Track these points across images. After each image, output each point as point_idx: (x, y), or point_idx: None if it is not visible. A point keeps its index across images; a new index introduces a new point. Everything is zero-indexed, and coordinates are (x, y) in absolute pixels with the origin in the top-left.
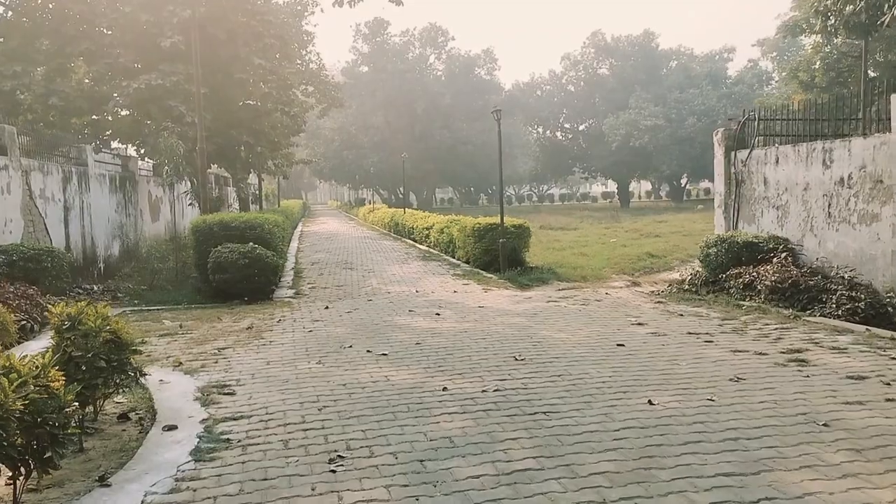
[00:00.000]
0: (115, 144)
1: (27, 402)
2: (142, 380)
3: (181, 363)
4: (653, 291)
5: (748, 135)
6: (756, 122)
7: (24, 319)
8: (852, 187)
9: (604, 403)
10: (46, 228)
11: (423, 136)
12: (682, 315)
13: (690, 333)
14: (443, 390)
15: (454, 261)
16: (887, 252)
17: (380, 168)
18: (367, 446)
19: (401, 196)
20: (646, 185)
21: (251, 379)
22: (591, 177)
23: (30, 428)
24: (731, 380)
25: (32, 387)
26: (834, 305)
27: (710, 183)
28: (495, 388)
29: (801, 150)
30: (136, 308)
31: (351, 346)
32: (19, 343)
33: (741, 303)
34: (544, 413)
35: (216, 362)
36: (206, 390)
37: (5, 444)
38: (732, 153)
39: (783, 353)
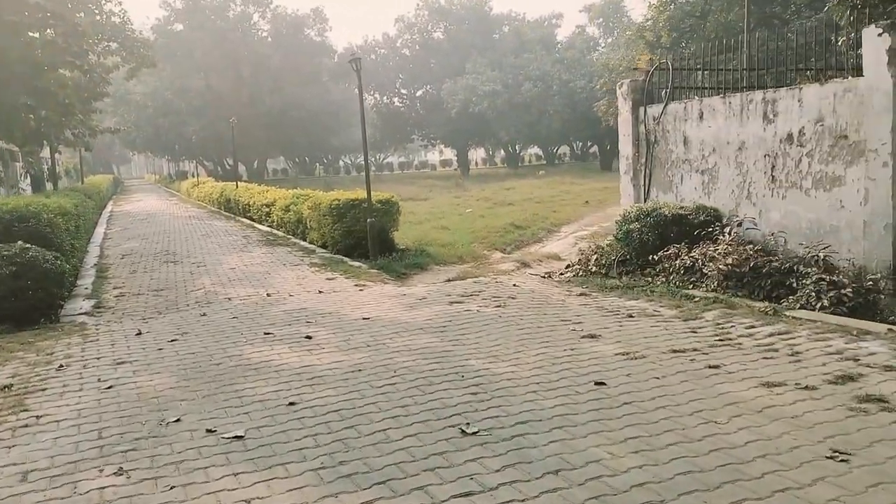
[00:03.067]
0: None
1: None
2: None
3: None
4: (549, 274)
5: (656, 87)
6: (669, 72)
7: None
8: (804, 145)
9: None
10: None
11: (251, 102)
12: (631, 316)
13: (675, 352)
14: None
15: (307, 245)
16: (855, 223)
17: (202, 137)
18: None
19: (229, 167)
20: (480, 153)
21: None
22: (431, 144)
23: None
24: (835, 459)
25: None
26: (812, 294)
27: (539, 149)
28: None
29: (733, 103)
30: None
31: (179, 420)
32: None
33: (689, 292)
34: None
35: None
36: None
37: None
38: (641, 109)
39: (834, 382)
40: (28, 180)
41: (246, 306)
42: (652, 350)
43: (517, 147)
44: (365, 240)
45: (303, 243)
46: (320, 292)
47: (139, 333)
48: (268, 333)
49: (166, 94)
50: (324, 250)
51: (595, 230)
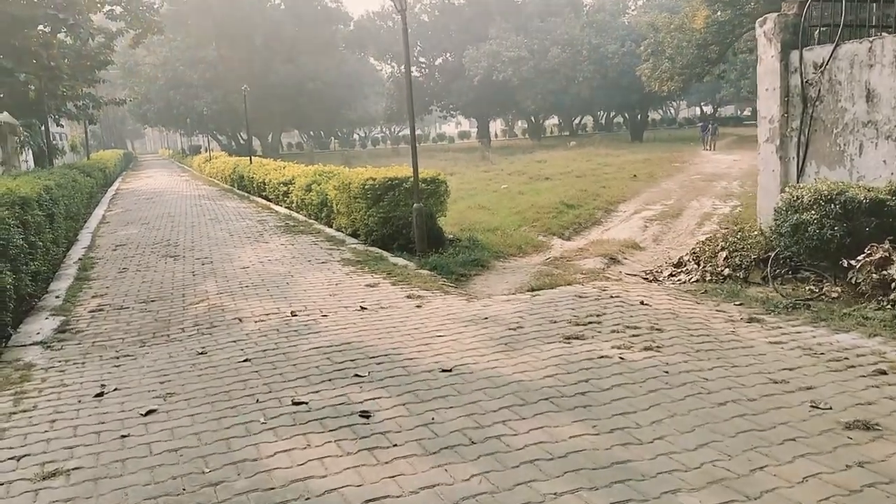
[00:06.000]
0: None
1: None
2: None
3: None
4: (651, 274)
5: (811, 24)
6: (842, 3)
7: None
8: None
9: None
10: None
11: (264, 72)
12: (882, 373)
13: None
14: None
15: (334, 233)
16: None
17: (215, 110)
18: None
19: (243, 141)
20: (498, 124)
21: None
22: (450, 115)
23: None
24: None
25: None
26: None
27: (559, 119)
28: None
29: None
30: None
31: None
32: None
33: None
34: None
35: None
36: None
37: None
38: (794, 53)
39: None
40: (25, 156)
41: (263, 336)
42: None
43: (540, 117)
44: (406, 228)
45: (329, 230)
46: (363, 309)
47: (101, 393)
48: (299, 403)
49: (177, 66)
50: (354, 240)
51: (662, 210)
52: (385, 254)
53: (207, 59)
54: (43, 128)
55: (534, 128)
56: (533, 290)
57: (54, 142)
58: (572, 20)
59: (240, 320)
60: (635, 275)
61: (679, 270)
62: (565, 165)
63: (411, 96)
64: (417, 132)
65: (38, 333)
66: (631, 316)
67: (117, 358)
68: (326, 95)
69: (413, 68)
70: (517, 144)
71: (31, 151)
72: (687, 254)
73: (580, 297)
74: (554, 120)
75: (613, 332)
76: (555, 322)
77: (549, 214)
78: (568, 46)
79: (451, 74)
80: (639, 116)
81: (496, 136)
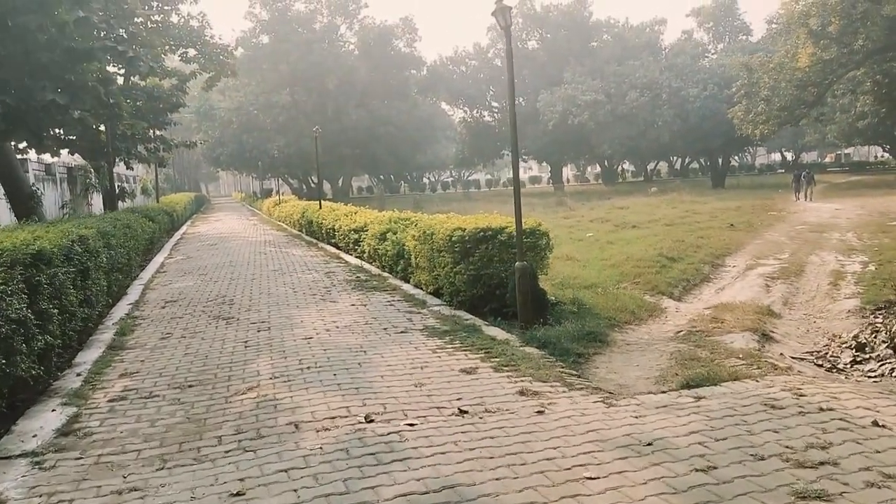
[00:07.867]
0: None
1: None
2: None
3: None
4: (827, 359)
5: None
6: None
7: None
8: None
9: None
10: None
11: (336, 117)
12: None
13: None
14: None
15: (411, 290)
16: None
17: (286, 153)
18: None
19: (314, 185)
20: (569, 169)
21: None
22: (522, 160)
23: None
24: None
25: None
26: None
27: (631, 164)
28: None
29: None
30: None
31: None
32: None
33: None
34: None
35: None
36: None
37: None
38: None
39: None
40: (91, 198)
41: (326, 463)
42: None
43: (614, 162)
44: (500, 288)
45: (406, 287)
46: (463, 413)
47: None
48: None
49: (251, 110)
50: (438, 301)
51: (780, 266)
52: (477, 321)
53: (280, 103)
54: (125, 172)
55: (608, 173)
56: (689, 386)
57: (124, 184)
58: (650, 63)
59: (296, 427)
60: (802, 358)
61: (866, 356)
62: (650, 213)
63: (515, 133)
64: (486, 177)
65: (35, 436)
66: (876, 451)
67: (119, 493)
68: (398, 140)
69: (485, 113)
70: (591, 189)
71: (100, 194)
72: (866, 331)
73: (773, 407)
74: (626, 165)
75: (869, 485)
76: (762, 459)
77: (650, 269)
78: (647, 90)
79: (524, 119)
80: (720, 162)
81: (568, 180)
